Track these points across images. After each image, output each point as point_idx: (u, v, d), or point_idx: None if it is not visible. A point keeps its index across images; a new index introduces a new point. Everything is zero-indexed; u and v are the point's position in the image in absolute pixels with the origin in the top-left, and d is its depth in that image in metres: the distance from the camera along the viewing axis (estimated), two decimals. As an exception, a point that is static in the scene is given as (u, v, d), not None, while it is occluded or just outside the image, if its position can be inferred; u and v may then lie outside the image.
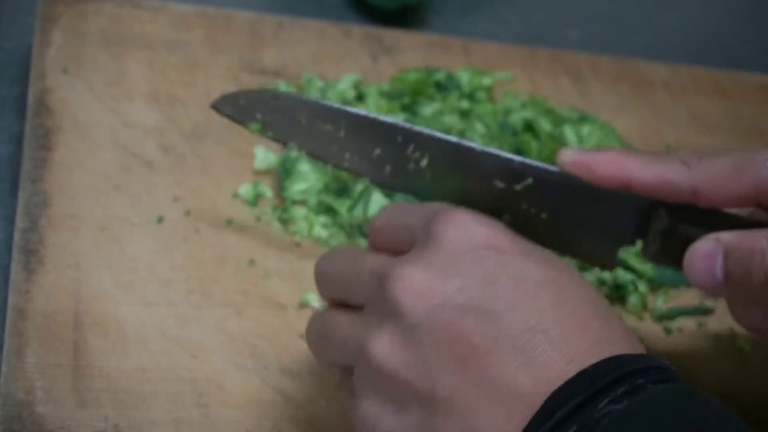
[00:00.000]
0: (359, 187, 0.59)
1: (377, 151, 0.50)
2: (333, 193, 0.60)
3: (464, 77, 0.68)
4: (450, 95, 0.65)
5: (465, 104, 0.65)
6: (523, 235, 0.46)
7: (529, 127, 0.66)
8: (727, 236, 0.46)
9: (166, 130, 0.61)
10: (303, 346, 0.54)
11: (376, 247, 0.46)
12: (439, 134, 0.49)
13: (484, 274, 0.40)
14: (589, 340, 0.38)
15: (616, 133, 0.66)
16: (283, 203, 0.60)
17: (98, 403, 0.49)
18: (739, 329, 0.63)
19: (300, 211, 0.59)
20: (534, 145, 0.63)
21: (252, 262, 0.57)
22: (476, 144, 0.48)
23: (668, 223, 0.47)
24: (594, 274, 0.60)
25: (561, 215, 0.48)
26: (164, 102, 0.62)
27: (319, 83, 0.65)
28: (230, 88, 0.64)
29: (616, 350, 0.38)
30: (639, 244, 0.49)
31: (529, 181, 0.47)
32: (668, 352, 0.60)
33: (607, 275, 0.60)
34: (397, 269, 0.41)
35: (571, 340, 0.38)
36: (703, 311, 0.62)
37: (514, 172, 0.47)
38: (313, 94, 0.64)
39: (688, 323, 0.62)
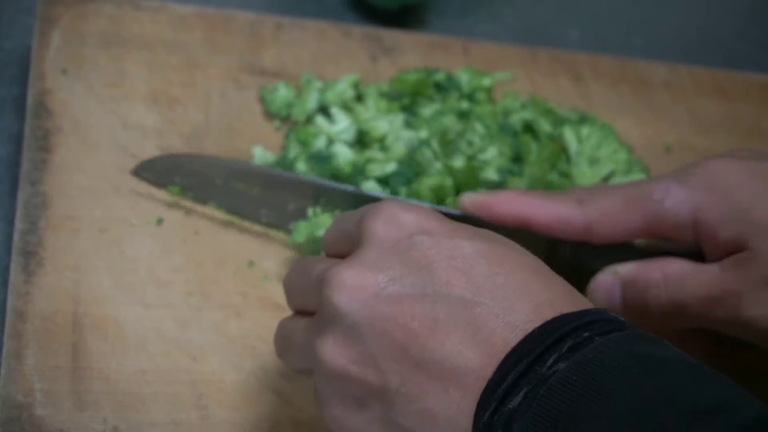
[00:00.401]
0: (355, 179, 0.59)
1: (291, 206, 0.56)
2: None
3: (464, 78, 0.68)
4: (450, 96, 0.65)
5: (465, 105, 0.65)
6: None
7: (529, 128, 0.66)
8: (625, 268, 0.50)
9: (165, 131, 0.61)
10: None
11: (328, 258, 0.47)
12: (345, 187, 0.53)
13: (414, 260, 0.40)
14: (530, 305, 0.38)
15: (616, 134, 0.66)
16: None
17: (97, 405, 0.49)
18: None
19: None
20: (533, 146, 0.63)
21: (251, 264, 0.57)
22: (381, 194, 0.51)
23: (571, 257, 0.50)
24: None
25: None
26: (164, 103, 0.62)
27: (318, 84, 0.65)
28: (230, 88, 0.64)
29: (559, 310, 0.38)
30: None
31: None
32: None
33: None
34: (331, 272, 0.41)
35: (511, 308, 0.38)
36: None
37: None
38: (312, 95, 0.64)
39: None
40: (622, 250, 0.50)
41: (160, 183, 0.56)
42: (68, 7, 0.64)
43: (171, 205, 0.58)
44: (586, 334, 0.37)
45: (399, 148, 0.61)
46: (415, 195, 0.58)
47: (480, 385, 0.37)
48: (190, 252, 0.56)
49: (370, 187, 0.59)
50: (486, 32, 0.81)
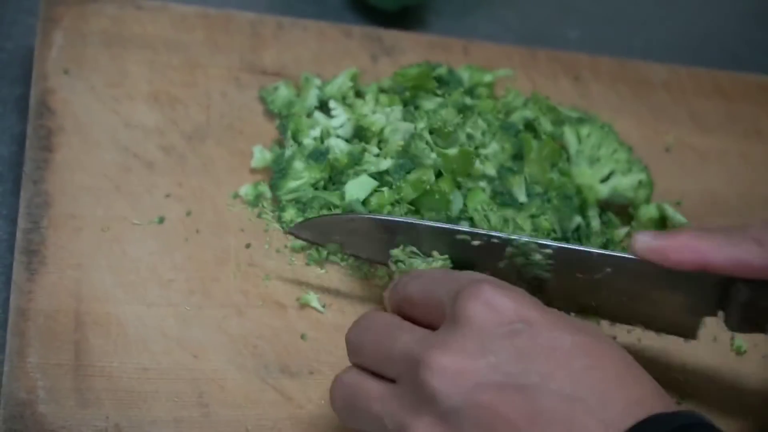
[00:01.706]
0: (350, 172, 0.60)
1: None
2: (324, 186, 0.60)
3: (465, 75, 0.68)
4: (452, 90, 0.65)
5: (467, 100, 0.65)
6: (603, 317, 0.48)
7: (530, 126, 0.66)
8: None
9: (166, 130, 0.61)
10: (303, 345, 0.54)
11: (405, 316, 0.46)
12: (501, 234, 0.51)
13: (515, 349, 0.41)
14: (624, 402, 0.39)
15: (616, 134, 0.66)
16: (278, 202, 0.60)
17: (99, 402, 0.49)
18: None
19: (293, 211, 0.59)
20: (534, 144, 0.63)
21: (252, 263, 0.57)
22: (553, 242, 0.50)
23: (748, 296, 0.49)
24: None
25: (640, 297, 0.50)
26: (165, 102, 0.62)
27: (317, 81, 0.65)
28: (231, 88, 0.64)
29: (650, 409, 0.39)
30: (722, 315, 0.51)
31: (608, 270, 0.49)
32: (667, 352, 0.60)
33: None
34: (428, 355, 0.41)
35: (607, 404, 0.39)
36: None
37: (593, 263, 0.49)
38: (312, 92, 0.64)
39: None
40: None
41: (319, 241, 0.56)
42: (70, 7, 0.64)
43: (172, 204, 0.58)
44: None
45: (396, 140, 0.61)
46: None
47: None
48: (191, 251, 0.56)
49: (363, 179, 0.59)
50: (486, 33, 0.81)
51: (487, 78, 0.68)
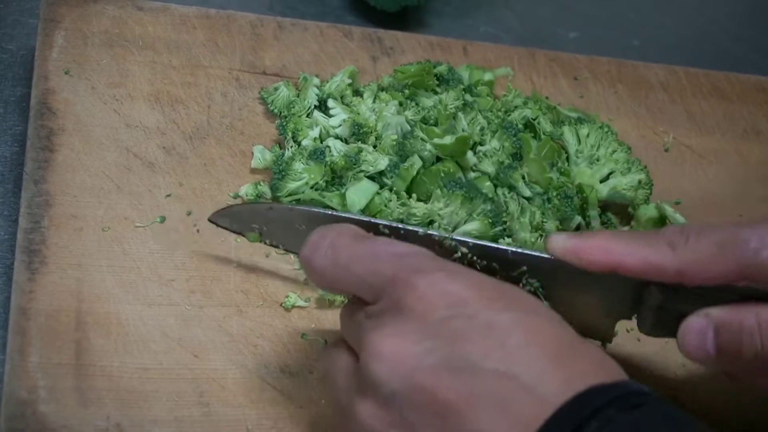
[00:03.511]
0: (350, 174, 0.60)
1: None
2: (324, 187, 0.60)
3: (465, 74, 0.68)
4: (452, 88, 0.66)
5: (468, 97, 0.66)
6: None
7: (531, 125, 0.66)
8: (716, 312, 0.47)
9: (167, 130, 0.61)
10: (304, 345, 0.55)
11: (337, 287, 0.47)
12: (419, 229, 0.50)
13: (451, 331, 0.41)
14: (562, 377, 0.40)
15: (615, 134, 0.66)
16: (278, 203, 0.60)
17: (100, 402, 0.49)
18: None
19: None
20: (533, 143, 0.64)
21: (253, 262, 0.57)
22: (470, 239, 0.49)
23: (660, 300, 0.49)
24: None
25: (556, 297, 0.50)
26: (166, 103, 0.62)
27: (316, 80, 0.65)
28: (231, 89, 0.64)
29: (589, 381, 0.39)
30: (635, 319, 0.51)
31: (524, 268, 0.49)
32: (667, 351, 0.60)
33: None
34: (369, 340, 0.42)
35: (543, 380, 0.39)
36: None
37: (509, 261, 0.49)
38: (311, 90, 0.64)
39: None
40: (715, 292, 0.48)
41: (237, 230, 0.55)
42: (71, 8, 0.64)
43: (173, 204, 0.58)
44: (611, 412, 0.38)
45: (389, 135, 0.61)
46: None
47: None
48: (192, 250, 0.56)
49: (364, 183, 0.60)
50: (485, 34, 0.81)
51: (487, 76, 0.69)
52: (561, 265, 0.48)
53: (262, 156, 0.61)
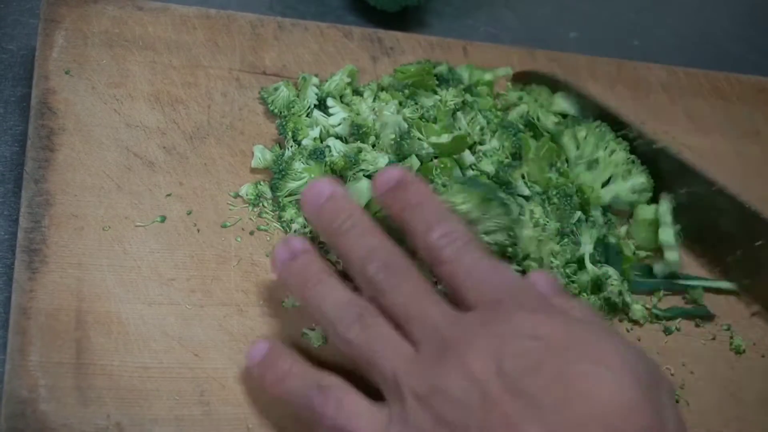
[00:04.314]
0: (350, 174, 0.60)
1: None
2: None
3: (465, 74, 0.68)
4: (453, 87, 0.66)
5: (468, 97, 0.66)
6: None
7: (531, 124, 0.66)
8: None
9: (167, 130, 0.61)
10: (304, 344, 0.55)
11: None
12: None
13: (530, 361, 0.43)
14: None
15: (612, 133, 0.66)
16: (278, 202, 0.60)
17: (101, 401, 0.49)
18: (737, 329, 0.63)
19: (293, 211, 0.59)
20: (532, 143, 0.64)
21: (253, 261, 0.57)
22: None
23: None
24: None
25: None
26: (166, 103, 0.62)
27: (315, 79, 0.65)
28: (231, 89, 0.65)
29: None
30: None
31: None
32: (667, 351, 0.60)
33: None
34: (460, 337, 0.45)
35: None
36: (703, 313, 0.63)
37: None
38: (310, 90, 0.64)
39: (686, 323, 0.62)
40: None
41: None
42: (72, 8, 0.64)
43: (173, 203, 0.58)
44: None
45: (387, 134, 0.61)
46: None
47: None
48: (192, 249, 0.56)
49: (363, 183, 0.60)
50: (485, 34, 0.81)
51: (487, 76, 0.69)
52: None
53: (262, 156, 0.61)
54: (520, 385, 0.42)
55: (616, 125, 0.66)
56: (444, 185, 0.59)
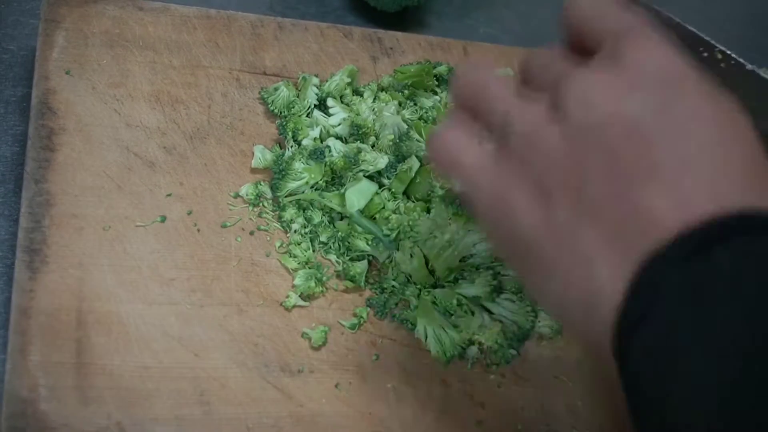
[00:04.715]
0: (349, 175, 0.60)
1: None
2: (324, 187, 0.60)
3: None
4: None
5: None
6: None
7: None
8: None
9: (168, 130, 0.61)
10: (304, 344, 0.55)
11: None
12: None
13: (660, 100, 0.41)
14: (734, 188, 0.39)
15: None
16: (278, 202, 0.60)
17: (101, 400, 0.49)
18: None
19: (293, 211, 0.59)
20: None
21: (253, 261, 0.57)
22: None
23: None
24: None
25: None
26: (166, 103, 0.62)
27: (315, 79, 0.65)
28: (231, 89, 0.65)
29: (758, 202, 0.39)
30: None
31: None
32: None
33: None
34: (582, 69, 0.43)
35: (717, 182, 0.39)
36: None
37: None
38: (310, 91, 0.64)
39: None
40: None
41: None
42: (72, 8, 0.64)
43: (174, 203, 0.58)
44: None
45: (386, 135, 0.61)
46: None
47: (658, 236, 0.38)
48: (192, 249, 0.56)
49: (364, 183, 0.60)
50: (485, 34, 0.81)
51: (487, 77, 0.69)
52: None
53: (262, 156, 0.61)
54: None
55: (703, 46, 0.63)
56: (442, 187, 0.59)
